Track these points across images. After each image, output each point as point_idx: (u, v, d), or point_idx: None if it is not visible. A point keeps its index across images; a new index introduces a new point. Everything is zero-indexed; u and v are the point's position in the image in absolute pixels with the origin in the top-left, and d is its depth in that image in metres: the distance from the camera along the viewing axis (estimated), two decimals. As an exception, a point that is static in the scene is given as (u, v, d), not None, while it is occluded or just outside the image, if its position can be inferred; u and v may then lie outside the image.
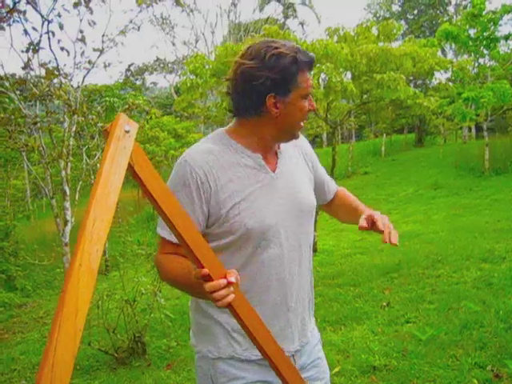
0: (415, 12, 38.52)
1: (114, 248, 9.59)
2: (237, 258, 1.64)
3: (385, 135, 28.38)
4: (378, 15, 40.07)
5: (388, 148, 26.97)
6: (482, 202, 12.40)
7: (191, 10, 35.81)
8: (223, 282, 1.22)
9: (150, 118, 13.57)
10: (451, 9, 38.24)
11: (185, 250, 1.19)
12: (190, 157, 1.61)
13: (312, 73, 1.60)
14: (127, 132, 1.02)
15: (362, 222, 1.70)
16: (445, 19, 29.58)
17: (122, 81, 29.32)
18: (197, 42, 37.30)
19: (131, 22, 8.62)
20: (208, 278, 1.21)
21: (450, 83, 15.93)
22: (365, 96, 8.92)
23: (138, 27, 8.84)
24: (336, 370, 3.99)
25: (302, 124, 1.68)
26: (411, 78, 23.34)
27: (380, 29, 8.58)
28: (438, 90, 14.56)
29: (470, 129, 28.12)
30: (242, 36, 32.65)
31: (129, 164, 1.01)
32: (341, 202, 2.05)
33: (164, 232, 1.61)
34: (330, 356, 4.15)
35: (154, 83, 48.85)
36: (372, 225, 1.71)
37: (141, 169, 1.05)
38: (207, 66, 8.51)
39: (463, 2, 35.54)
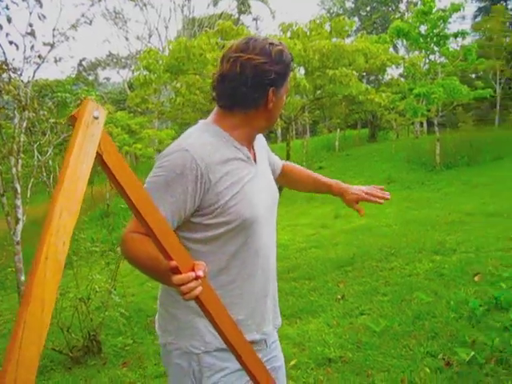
0: (368, 9, 39.05)
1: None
2: (228, 248, 1.68)
3: (338, 130, 28.71)
4: (331, 11, 40.42)
5: (342, 143, 27.28)
6: (434, 195, 12.68)
7: (144, 5, 35.38)
8: (191, 275, 1.22)
9: (109, 112, 13.39)
10: (403, 6, 38.90)
11: (153, 242, 1.17)
12: (191, 147, 1.61)
13: None
14: (96, 118, 0.99)
15: (358, 208, 2.12)
16: (396, 16, 29.99)
17: (74, 76, 28.78)
18: (150, 36, 36.85)
19: (83, 15, 8.49)
20: (176, 271, 1.20)
21: (402, 79, 16.21)
22: (318, 91, 9.00)
23: (90, 21, 8.72)
24: (292, 362, 4.03)
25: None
26: (364, 73, 23.65)
27: (332, 25, 8.67)
28: (390, 86, 14.83)
29: (421, 124, 28.69)
30: (196, 31, 32.41)
31: (97, 152, 0.98)
32: (296, 176, 2.26)
33: None
34: (286, 349, 4.17)
35: (107, 78, 48.18)
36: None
37: (109, 158, 1.01)
38: (160, 62, 8.44)
39: (414, 0, 36.21)
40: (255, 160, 1.79)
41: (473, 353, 3.62)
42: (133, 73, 29.44)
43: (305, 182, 2.26)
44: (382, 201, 2.06)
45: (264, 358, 1.83)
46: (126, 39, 42.91)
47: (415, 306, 4.91)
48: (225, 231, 1.65)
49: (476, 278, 5.45)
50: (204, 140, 1.66)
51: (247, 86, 1.63)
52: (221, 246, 1.67)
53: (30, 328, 0.82)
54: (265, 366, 1.52)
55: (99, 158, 1.00)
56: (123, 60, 40.69)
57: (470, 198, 11.34)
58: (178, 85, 9.81)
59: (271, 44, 1.65)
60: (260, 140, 1.93)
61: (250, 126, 1.73)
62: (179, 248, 1.21)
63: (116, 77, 71.78)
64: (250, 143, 1.77)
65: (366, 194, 2.09)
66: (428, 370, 3.59)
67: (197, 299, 1.25)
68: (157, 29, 37.61)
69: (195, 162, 1.57)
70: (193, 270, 1.23)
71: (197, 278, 1.22)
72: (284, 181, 2.24)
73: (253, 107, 1.68)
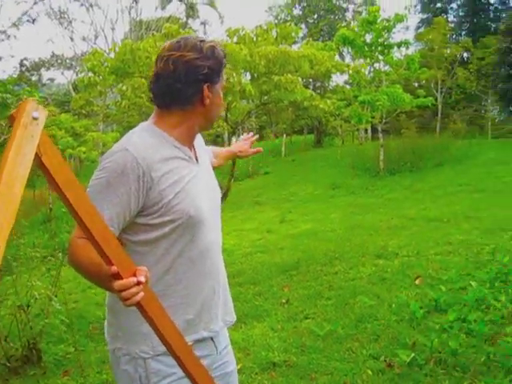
0: (315, 16, 39.47)
1: (5, 251, 9.16)
2: (174, 248, 1.67)
3: (285, 136, 28.92)
4: (279, 18, 40.71)
5: (288, 148, 27.51)
6: (377, 200, 12.92)
7: (90, 5, 34.88)
8: (133, 280, 1.21)
9: (53, 114, 13.10)
10: (349, 15, 39.57)
11: (94, 246, 1.15)
12: (131, 147, 1.62)
13: None
14: (35, 119, 0.96)
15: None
16: (343, 25, 30.50)
17: (16, 76, 28.03)
18: (96, 38, 36.36)
19: (25, 14, 8.27)
20: (117, 276, 1.18)
21: (348, 86, 16.47)
22: (265, 97, 9.04)
23: (33, 20, 8.51)
24: (237, 367, 4.02)
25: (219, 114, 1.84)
26: (310, 80, 23.92)
27: (278, 31, 8.73)
28: (335, 93, 15.04)
29: (366, 130, 29.21)
30: (144, 34, 32.14)
31: (36, 154, 0.95)
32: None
33: None
34: (230, 354, 4.17)
35: (52, 79, 47.02)
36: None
37: (49, 160, 0.99)
38: (106, 64, 8.32)
39: (360, 9, 36.90)
40: (197, 159, 1.80)
41: (413, 354, 3.71)
42: (77, 74, 28.95)
43: (220, 156, 2.41)
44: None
45: (215, 364, 1.85)
46: (71, 40, 42.10)
47: (358, 310, 4.99)
48: (170, 230, 1.65)
49: (417, 281, 5.58)
50: (144, 140, 1.67)
51: (181, 82, 1.66)
52: (166, 247, 1.67)
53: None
54: (207, 372, 1.51)
55: (38, 160, 0.97)
56: (68, 61, 39.89)
57: (411, 204, 11.60)
58: (124, 88, 9.70)
59: (202, 41, 1.69)
60: (199, 139, 1.95)
61: (189, 124, 1.73)
62: (120, 253, 1.19)
63: (61, 78, 70.39)
64: (190, 143, 1.79)
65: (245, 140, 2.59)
66: (370, 372, 3.65)
67: (138, 305, 1.24)
68: (103, 30, 37.13)
69: (136, 161, 1.58)
70: (134, 275, 1.22)
71: (138, 283, 1.21)
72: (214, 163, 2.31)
73: (189, 104, 1.70)
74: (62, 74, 56.37)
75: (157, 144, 1.66)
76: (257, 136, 2.63)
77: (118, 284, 1.20)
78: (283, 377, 3.81)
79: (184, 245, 1.69)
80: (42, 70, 41.97)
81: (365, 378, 3.57)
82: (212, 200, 1.81)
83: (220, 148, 2.52)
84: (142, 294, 1.23)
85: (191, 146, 1.79)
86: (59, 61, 40.12)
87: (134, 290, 1.21)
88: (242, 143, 2.55)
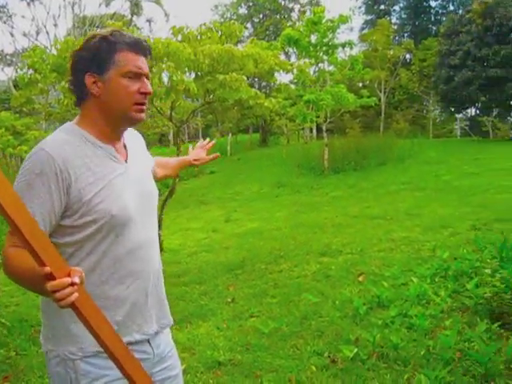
0: (261, 16, 39.60)
1: None
2: (99, 248, 1.63)
3: (230, 135, 28.93)
4: (225, 16, 40.66)
5: (234, 147, 27.52)
6: (322, 199, 13.06)
7: (32, 0, 33.97)
8: (66, 280, 1.18)
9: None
10: (295, 15, 39.84)
11: (25, 247, 1.11)
12: (47, 146, 1.59)
13: (143, 58, 1.63)
14: None
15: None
16: (288, 24, 30.73)
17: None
18: (38, 34, 35.49)
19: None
20: (50, 277, 1.15)
21: (293, 86, 16.57)
22: (210, 96, 9.00)
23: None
24: (182, 367, 3.98)
25: (137, 107, 1.69)
26: (256, 79, 23.98)
27: (223, 29, 8.70)
28: (280, 92, 15.12)
29: (311, 130, 29.50)
30: (87, 30, 31.52)
31: None
32: (164, 163, 2.33)
33: None
34: (175, 354, 4.14)
35: (-10, 76, 45.62)
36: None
37: None
38: (47, 61, 8.12)
39: (305, 9, 37.23)
40: (126, 159, 1.76)
41: (356, 349, 3.77)
42: (16, 71, 28.20)
43: (169, 166, 2.36)
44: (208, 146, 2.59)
45: (156, 368, 1.82)
46: (12, 35, 40.93)
47: (303, 307, 5.03)
48: (94, 231, 1.62)
49: (360, 278, 5.68)
50: (60, 138, 1.64)
51: (71, 75, 1.69)
52: (91, 247, 1.63)
53: None
54: (146, 373, 1.49)
55: None
56: (8, 57, 38.75)
57: (355, 202, 11.78)
58: (66, 85, 9.47)
59: (93, 35, 1.68)
60: (137, 140, 1.94)
61: (95, 120, 1.69)
62: (53, 254, 1.16)
63: (0, 75, 68.40)
64: (113, 140, 1.73)
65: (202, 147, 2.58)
66: (314, 368, 3.69)
67: (73, 306, 1.21)
68: (45, 26, 36.24)
69: (52, 159, 1.55)
70: (68, 276, 1.19)
71: (72, 284, 1.19)
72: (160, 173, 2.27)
73: (86, 96, 1.67)
74: (2, 70, 54.79)
75: (74, 142, 1.63)
76: (213, 142, 2.62)
77: (50, 285, 1.17)
78: (228, 375, 3.80)
79: (109, 244, 1.65)
80: (-20, 67, 40.69)
81: (309, 374, 3.60)
82: (143, 200, 1.77)
83: (167, 158, 2.43)
84: (76, 294, 1.20)
85: (116, 144, 1.75)
86: (-1, 57, 38.94)
87: (67, 290, 1.19)
88: (199, 151, 2.53)
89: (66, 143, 1.62)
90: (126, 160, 1.76)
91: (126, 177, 1.71)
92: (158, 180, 2.20)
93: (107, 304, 1.62)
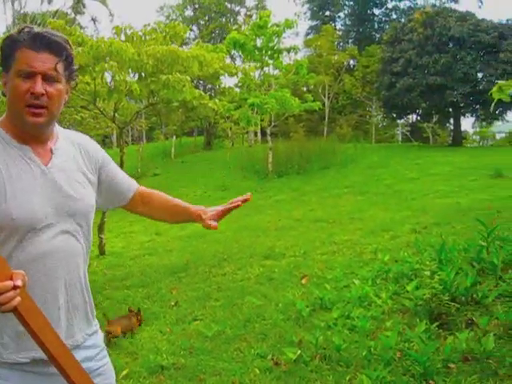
0: (206, 18, 39.48)
1: None
2: (4, 249, 1.51)
3: (175, 137, 28.74)
4: (170, 18, 40.33)
5: (178, 150, 27.35)
6: (266, 202, 13.13)
7: (-34, -5, 32.85)
8: (9, 284, 1.14)
9: None
10: (240, 18, 39.91)
11: None
12: None
13: (41, 54, 1.50)
14: None
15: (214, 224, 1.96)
16: (234, 28, 30.78)
17: None
18: (-27, 31, 34.33)
19: None
20: None
21: (237, 89, 16.62)
22: (154, 98, 8.93)
23: None
24: (124, 372, 3.93)
25: (28, 110, 1.55)
26: (201, 81, 23.90)
27: (166, 30, 8.65)
28: (224, 95, 15.12)
29: (255, 133, 29.61)
30: (27, 28, 30.64)
31: None
32: (157, 203, 2.05)
33: None
34: (117, 360, 4.08)
35: None
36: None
37: None
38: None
39: (251, 12, 37.39)
40: (47, 162, 1.64)
41: (299, 351, 3.79)
42: None
43: (169, 212, 2.07)
44: (240, 202, 1.97)
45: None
46: None
47: (246, 310, 5.03)
48: None
49: (303, 281, 5.72)
50: None
51: None
52: None
53: None
54: (90, 378, 1.44)
55: None
56: None
57: (298, 205, 11.89)
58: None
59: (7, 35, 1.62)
60: (78, 147, 1.80)
61: (10, 119, 1.60)
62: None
63: None
64: (29, 142, 1.62)
65: (224, 207, 1.98)
66: (258, 370, 3.69)
67: (15, 310, 1.17)
68: (-18, 22, 35.07)
69: None
70: (11, 279, 1.15)
71: (15, 287, 1.15)
72: (140, 209, 2.06)
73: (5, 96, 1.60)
74: None
75: None
76: (248, 196, 2.01)
77: None
78: (171, 379, 3.77)
79: (12, 248, 1.54)
80: None
81: (252, 377, 3.60)
82: (61, 208, 1.63)
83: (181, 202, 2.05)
84: (18, 298, 1.16)
85: (36, 146, 1.63)
86: None
87: (10, 294, 1.14)
88: (211, 210, 2.00)
89: None
90: (46, 164, 1.64)
91: (42, 181, 1.60)
92: (136, 213, 2.07)
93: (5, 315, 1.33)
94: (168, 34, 8.29)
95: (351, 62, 34.37)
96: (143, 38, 8.22)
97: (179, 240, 9.26)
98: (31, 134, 1.61)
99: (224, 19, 39.55)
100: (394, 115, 28.26)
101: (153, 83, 7.73)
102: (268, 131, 18.19)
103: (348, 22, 40.48)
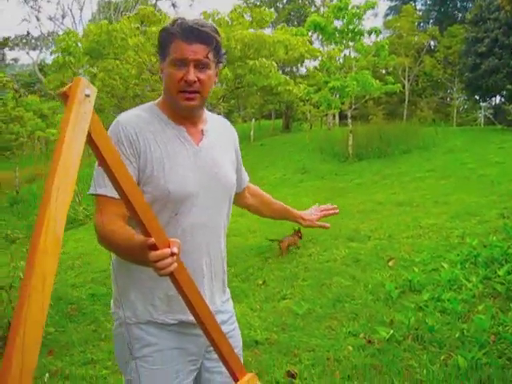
0: (284, 1, 39.30)
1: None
2: (159, 219, 1.64)
3: (253, 120, 28.93)
4: (248, 2, 40.43)
5: (256, 133, 27.51)
6: (347, 185, 13.08)
7: (57, -16, 34.15)
8: (167, 251, 1.25)
9: (20, 96, 12.85)
10: (318, 0, 39.51)
11: (134, 218, 1.20)
12: (121, 118, 1.72)
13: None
14: (87, 96, 0.99)
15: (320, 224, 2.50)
16: (312, 10, 30.56)
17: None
18: (63, 18, 35.63)
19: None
20: (153, 248, 1.24)
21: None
22: (237, 81, 9.08)
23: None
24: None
25: (182, 95, 1.71)
26: (281, 65, 23.94)
27: (253, 15, 8.76)
28: (306, 78, 15.11)
29: (334, 116, 29.39)
30: (112, 15, 31.62)
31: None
32: (263, 200, 2.36)
33: (106, 189, 1.61)
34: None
35: (15, 59, 45.90)
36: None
37: (98, 137, 1.03)
38: (80, 44, 8.25)
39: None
40: (199, 142, 1.80)
41: (391, 331, 3.86)
42: (50, 55, 28.28)
43: (273, 208, 2.40)
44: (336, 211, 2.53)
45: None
46: (38, 19, 41.15)
47: (335, 290, 5.13)
48: (150, 202, 1.63)
49: (390, 263, 5.75)
50: (133, 113, 1.76)
51: None
52: None
53: (34, 303, 0.84)
54: (229, 342, 1.55)
55: (88, 138, 1.01)
56: (33, 41, 38.97)
57: (380, 189, 11.79)
58: (94, 69, 9.60)
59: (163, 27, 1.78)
60: (226, 133, 2.00)
61: (166, 102, 1.79)
62: (157, 226, 1.24)
63: (24, 58, 68.68)
64: (184, 123, 1.79)
65: (321, 211, 2.51)
66: (351, 347, 3.80)
67: (171, 275, 1.30)
68: (70, 10, 36.36)
69: (126, 129, 1.68)
70: (168, 246, 1.27)
71: (172, 254, 1.26)
72: (250, 202, 2.30)
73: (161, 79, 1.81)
74: (28, 54, 55.05)
75: (146, 118, 1.74)
76: (337, 211, 2.55)
77: (154, 255, 1.24)
78: (266, 353, 3.93)
79: (166, 219, 1.71)
80: (6, 50, 40.92)
81: (346, 354, 3.71)
82: (210, 185, 1.79)
83: (275, 201, 2.42)
84: (175, 264, 1.28)
85: (190, 127, 1.80)
86: (24, 40, 39.16)
87: (168, 260, 1.26)
88: (312, 211, 2.52)
89: (137, 117, 1.73)
90: (198, 144, 1.80)
91: (194, 159, 1.77)
92: (242, 206, 2.30)
93: (157, 278, 1.40)
94: (255, 19, 8.39)
95: (432, 42, 33.40)
96: (230, 23, 8.37)
97: (261, 222, 9.40)
98: (185, 116, 1.79)
99: (301, 1, 39.25)
100: (477, 97, 27.33)
101: (239, 68, 7.87)
102: (348, 114, 18.03)
103: (429, 2, 39.33)
